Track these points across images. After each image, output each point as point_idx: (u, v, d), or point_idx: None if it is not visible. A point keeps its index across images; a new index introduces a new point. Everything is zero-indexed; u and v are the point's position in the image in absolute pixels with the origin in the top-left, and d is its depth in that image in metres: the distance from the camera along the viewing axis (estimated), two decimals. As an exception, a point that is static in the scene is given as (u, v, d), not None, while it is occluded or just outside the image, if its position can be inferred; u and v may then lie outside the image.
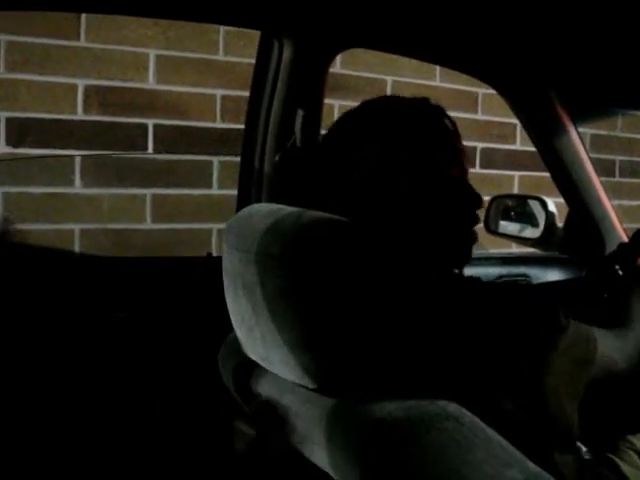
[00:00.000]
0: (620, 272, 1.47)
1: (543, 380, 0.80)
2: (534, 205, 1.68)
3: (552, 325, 0.82)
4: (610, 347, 1.01)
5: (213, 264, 0.94)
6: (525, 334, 0.80)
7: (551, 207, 1.62)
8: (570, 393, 0.83)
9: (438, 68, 2.50)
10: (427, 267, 0.88)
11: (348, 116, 0.96)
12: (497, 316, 0.80)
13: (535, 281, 1.89)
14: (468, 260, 0.95)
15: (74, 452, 1.34)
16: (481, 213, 0.96)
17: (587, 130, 2.80)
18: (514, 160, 2.73)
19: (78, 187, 1.99)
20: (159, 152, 2.08)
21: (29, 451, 1.31)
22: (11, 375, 1.30)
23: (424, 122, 0.91)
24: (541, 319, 0.82)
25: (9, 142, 1.90)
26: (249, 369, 0.89)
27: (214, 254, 1.60)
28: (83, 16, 1.94)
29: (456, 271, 0.93)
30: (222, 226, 0.88)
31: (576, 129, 1.60)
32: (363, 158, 0.88)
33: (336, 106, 2.32)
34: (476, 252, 0.97)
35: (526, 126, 1.66)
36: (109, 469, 1.34)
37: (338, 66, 2.29)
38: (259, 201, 1.35)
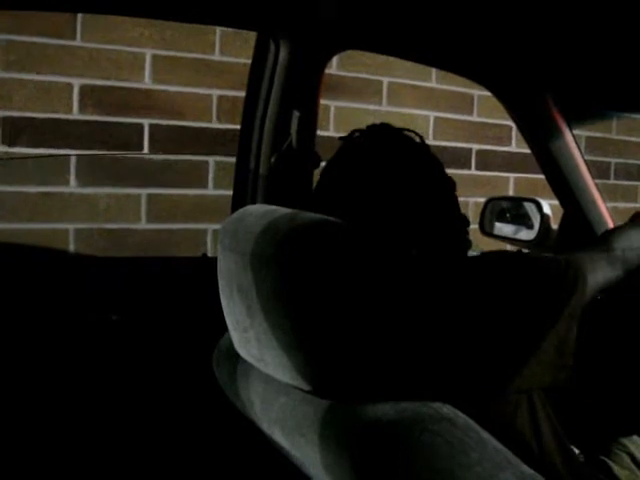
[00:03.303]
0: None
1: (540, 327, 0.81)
2: (529, 207, 1.68)
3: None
4: (599, 269, 1.02)
5: (208, 265, 0.94)
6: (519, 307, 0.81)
7: (546, 209, 1.62)
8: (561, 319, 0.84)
9: (434, 69, 2.50)
10: (420, 266, 0.88)
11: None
12: (490, 300, 0.81)
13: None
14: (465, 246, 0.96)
15: (70, 453, 1.33)
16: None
17: (582, 132, 2.81)
18: (510, 162, 2.74)
19: (73, 187, 1.99)
20: (155, 152, 2.08)
21: (25, 450, 1.31)
22: (6, 374, 1.30)
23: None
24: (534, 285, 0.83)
25: (4, 141, 1.89)
26: (244, 370, 0.89)
27: (209, 255, 1.60)
28: (79, 15, 1.94)
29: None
30: (217, 226, 0.88)
31: (571, 132, 1.60)
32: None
33: (332, 107, 2.33)
34: (471, 254, 0.97)
35: (521, 128, 1.66)
36: (105, 470, 1.34)
37: (334, 67, 2.29)
38: (254, 202, 1.35)
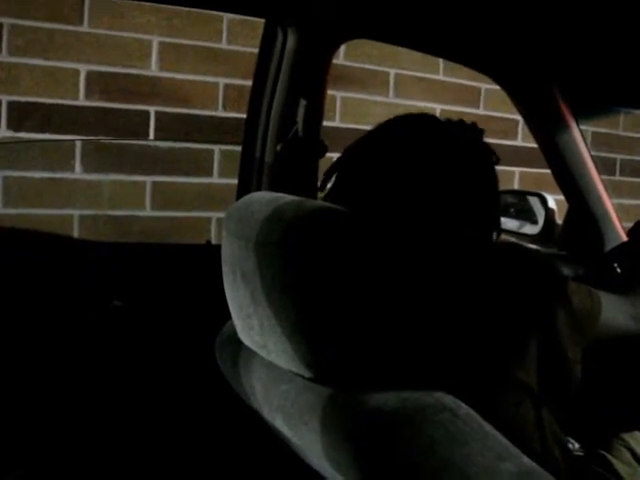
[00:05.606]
0: (618, 270, 1.47)
1: (548, 329, 0.82)
2: (534, 201, 1.68)
3: (553, 279, 0.85)
4: (618, 310, 1.03)
5: (212, 252, 0.94)
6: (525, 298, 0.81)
7: (551, 204, 1.61)
8: (572, 339, 0.85)
9: (442, 62, 2.49)
10: (428, 257, 0.88)
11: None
12: (496, 292, 0.81)
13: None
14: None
15: (69, 438, 1.34)
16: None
17: (589, 128, 2.79)
18: (515, 156, 2.73)
19: (78, 173, 1.99)
20: (160, 139, 2.08)
21: (33, 433, 1.31)
22: (8, 359, 1.30)
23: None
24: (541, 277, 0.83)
25: (10, 126, 1.89)
26: (246, 357, 0.89)
27: (213, 243, 1.60)
28: (87, 1, 1.93)
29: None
30: (222, 215, 0.88)
31: (578, 126, 1.59)
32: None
33: (338, 97, 2.32)
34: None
35: (528, 122, 1.65)
36: (106, 453, 1.35)
37: (341, 57, 2.28)
38: (259, 190, 1.35)
